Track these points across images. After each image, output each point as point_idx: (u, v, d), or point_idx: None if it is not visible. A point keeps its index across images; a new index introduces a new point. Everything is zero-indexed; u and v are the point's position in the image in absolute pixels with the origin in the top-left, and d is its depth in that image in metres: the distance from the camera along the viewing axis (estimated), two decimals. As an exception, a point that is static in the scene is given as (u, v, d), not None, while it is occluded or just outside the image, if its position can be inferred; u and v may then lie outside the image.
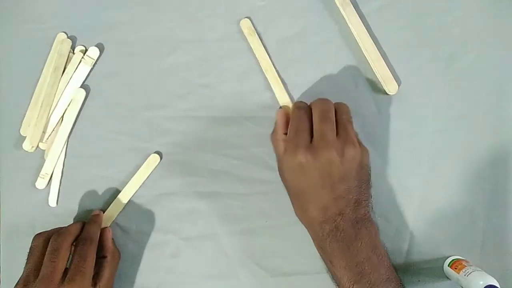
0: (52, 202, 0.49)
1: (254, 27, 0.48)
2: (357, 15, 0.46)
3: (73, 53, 0.49)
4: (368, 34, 0.46)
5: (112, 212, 0.48)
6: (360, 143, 0.42)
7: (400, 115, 0.47)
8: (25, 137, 0.48)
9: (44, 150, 0.49)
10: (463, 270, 0.42)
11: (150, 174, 0.48)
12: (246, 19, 0.48)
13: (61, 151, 0.49)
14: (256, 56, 0.47)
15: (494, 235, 0.46)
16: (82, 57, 0.48)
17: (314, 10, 0.48)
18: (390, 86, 0.46)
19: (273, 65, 0.48)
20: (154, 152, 0.48)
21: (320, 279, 0.47)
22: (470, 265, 0.42)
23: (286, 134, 0.44)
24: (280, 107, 0.47)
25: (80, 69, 0.49)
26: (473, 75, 0.47)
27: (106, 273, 0.43)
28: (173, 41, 0.49)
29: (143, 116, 0.49)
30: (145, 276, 0.49)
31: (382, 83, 0.46)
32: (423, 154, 0.47)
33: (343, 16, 0.47)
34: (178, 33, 0.49)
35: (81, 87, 0.49)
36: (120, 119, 0.49)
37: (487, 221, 0.46)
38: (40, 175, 0.48)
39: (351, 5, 0.46)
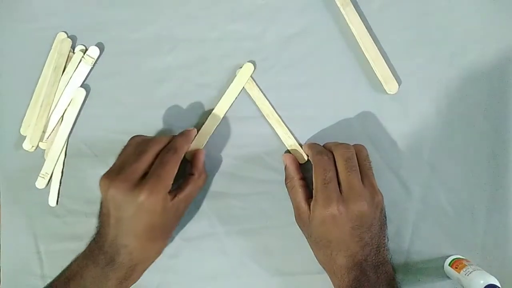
0: (52, 201, 0.49)
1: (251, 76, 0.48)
2: (357, 15, 0.46)
3: (73, 52, 0.49)
4: (368, 34, 0.46)
5: (209, 126, 0.47)
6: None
7: (400, 115, 0.47)
8: (25, 136, 0.48)
9: (44, 150, 0.49)
10: (464, 270, 0.42)
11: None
12: (248, 63, 0.47)
13: (61, 150, 0.49)
14: (256, 102, 0.47)
15: (494, 234, 0.46)
16: (82, 57, 0.48)
17: (314, 10, 0.48)
18: (390, 86, 0.46)
19: (275, 110, 0.47)
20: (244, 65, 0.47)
21: (320, 279, 0.46)
22: (471, 265, 0.42)
23: (302, 179, 0.44)
24: (286, 151, 0.47)
25: (80, 69, 0.49)
26: (473, 75, 0.47)
27: (188, 189, 0.43)
28: (173, 40, 0.49)
29: (143, 115, 0.49)
30: (145, 276, 0.48)
31: (382, 83, 0.46)
32: (423, 154, 0.47)
33: (343, 16, 0.47)
34: (178, 32, 0.49)
35: (81, 86, 0.49)
36: (120, 119, 0.49)
37: (488, 220, 0.46)
38: (40, 175, 0.48)
39: (351, 4, 0.46)
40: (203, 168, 0.46)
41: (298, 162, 0.46)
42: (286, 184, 0.46)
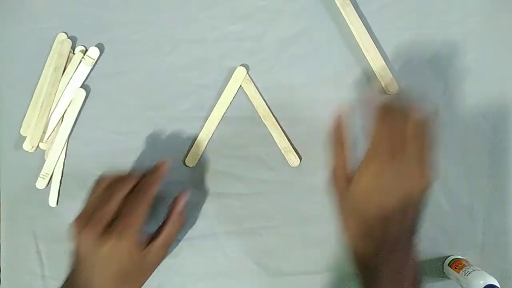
0: (52, 202, 0.49)
1: (249, 76, 0.48)
2: (357, 15, 0.46)
3: (73, 53, 0.49)
4: (368, 34, 0.46)
5: (207, 129, 0.47)
6: None
7: (400, 115, 0.47)
8: (26, 137, 0.48)
9: (44, 150, 0.49)
10: (463, 270, 0.42)
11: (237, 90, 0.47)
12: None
13: (61, 151, 0.49)
14: (253, 103, 0.48)
15: (494, 234, 0.46)
16: (82, 57, 0.48)
17: (314, 10, 0.48)
18: (390, 86, 0.46)
19: (271, 111, 0.47)
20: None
21: (320, 279, 0.47)
22: (470, 265, 0.42)
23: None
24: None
25: (80, 69, 0.49)
26: (473, 75, 0.47)
27: (163, 235, 0.41)
28: (173, 41, 0.49)
29: (143, 116, 0.49)
30: (145, 276, 0.49)
31: (382, 83, 0.46)
32: (423, 154, 0.47)
33: (342, 17, 0.47)
34: (178, 33, 0.49)
35: (81, 87, 0.49)
36: (120, 119, 0.49)
37: (487, 221, 0.46)
38: (40, 175, 0.48)
39: (351, 5, 0.46)
40: (183, 211, 0.44)
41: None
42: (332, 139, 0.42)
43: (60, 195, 0.49)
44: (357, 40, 0.47)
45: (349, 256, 0.39)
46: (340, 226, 0.40)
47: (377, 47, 0.47)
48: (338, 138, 0.42)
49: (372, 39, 0.47)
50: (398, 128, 0.37)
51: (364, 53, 0.47)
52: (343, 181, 0.39)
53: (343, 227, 0.40)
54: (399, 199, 0.36)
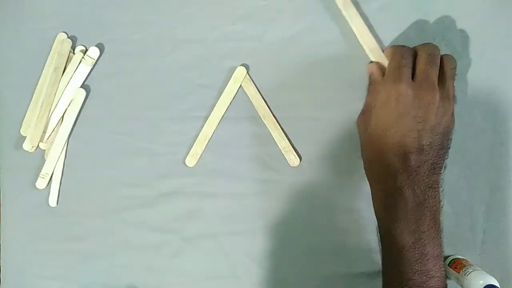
0: (52, 202, 0.49)
1: (249, 75, 0.48)
2: (359, 16, 0.46)
3: (74, 53, 0.49)
4: (371, 36, 0.46)
5: (207, 129, 0.48)
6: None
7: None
8: (26, 137, 0.48)
9: (44, 150, 0.49)
10: (463, 270, 0.42)
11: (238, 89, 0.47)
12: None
13: (61, 151, 0.49)
14: (253, 103, 0.48)
15: (493, 234, 0.46)
16: (83, 57, 0.48)
17: (315, 10, 0.48)
18: None
19: (271, 111, 0.48)
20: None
21: (320, 278, 0.47)
22: (470, 265, 0.42)
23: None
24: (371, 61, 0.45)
25: (80, 69, 0.49)
26: (473, 75, 0.47)
27: None
28: (173, 41, 0.49)
29: (143, 116, 0.49)
30: (145, 276, 0.49)
31: None
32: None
33: (343, 17, 0.47)
34: (178, 33, 0.49)
35: (81, 87, 0.49)
36: (120, 119, 0.49)
37: (487, 220, 0.46)
38: (40, 175, 0.48)
39: (353, 6, 0.46)
40: None
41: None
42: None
43: (60, 195, 0.49)
44: (360, 42, 0.46)
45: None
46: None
47: (381, 48, 0.46)
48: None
49: (375, 39, 0.46)
50: (407, 54, 0.40)
51: (368, 54, 0.46)
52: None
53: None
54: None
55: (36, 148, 0.49)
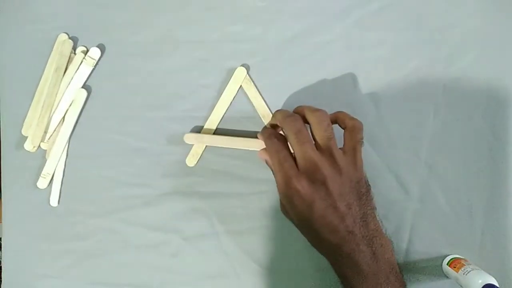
0: (54, 201, 0.49)
1: (249, 76, 0.48)
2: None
3: (75, 53, 0.49)
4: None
5: (208, 130, 0.48)
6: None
7: (399, 115, 0.47)
8: (27, 137, 0.49)
9: (45, 150, 0.49)
10: (462, 269, 0.42)
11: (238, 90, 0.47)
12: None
13: (63, 151, 0.49)
14: (253, 103, 0.48)
15: (493, 234, 0.46)
16: (84, 58, 0.49)
17: (314, 11, 0.48)
18: None
19: (271, 111, 0.48)
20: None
21: (320, 278, 0.47)
22: (469, 264, 0.42)
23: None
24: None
25: (82, 70, 0.49)
26: (473, 75, 0.47)
27: None
28: (174, 41, 0.49)
29: (144, 116, 0.49)
30: (145, 276, 0.49)
31: None
32: (422, 154, 0.47)
33: (342, 19, 0.46)
34: (179, 34, 0.49)
35: (82, 87, 0.49)
36: (121, 120, 0.49)
37: (486, 220, 0.46)
38: (41, 175, 0.49)
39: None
40: None
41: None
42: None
43: (61, 195, 0.49)
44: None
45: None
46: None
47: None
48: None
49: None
50: (279, 146, 0.40)
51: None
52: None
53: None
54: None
55: (38, 148, 0.49)
